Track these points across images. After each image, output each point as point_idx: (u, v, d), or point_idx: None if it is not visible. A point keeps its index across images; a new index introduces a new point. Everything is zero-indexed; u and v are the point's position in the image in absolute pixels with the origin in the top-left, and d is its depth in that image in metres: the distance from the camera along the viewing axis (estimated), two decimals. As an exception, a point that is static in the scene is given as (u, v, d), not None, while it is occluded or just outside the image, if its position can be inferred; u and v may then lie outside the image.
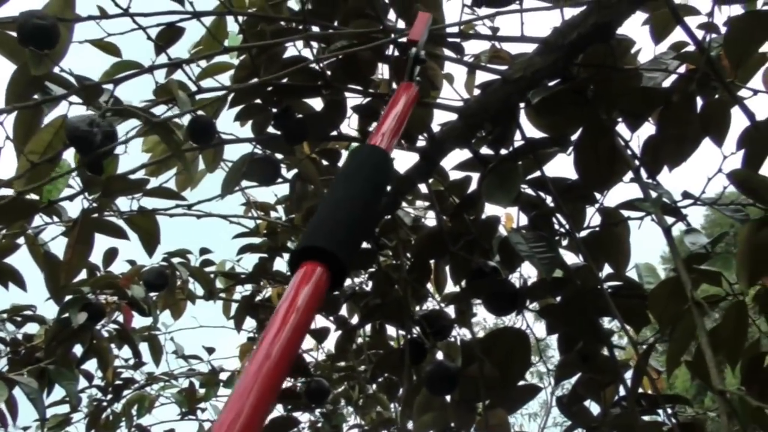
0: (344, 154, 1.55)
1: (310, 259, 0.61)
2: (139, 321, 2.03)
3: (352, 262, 0.70)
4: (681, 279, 1.02)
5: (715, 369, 0.93)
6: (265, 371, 0.52)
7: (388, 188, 0.97)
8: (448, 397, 1.39)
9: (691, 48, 1.20)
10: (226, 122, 1.41)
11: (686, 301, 1.05)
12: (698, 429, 1.31)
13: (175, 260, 1.86)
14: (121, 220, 1.39)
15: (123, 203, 1.43)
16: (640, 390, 1.42)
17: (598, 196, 1.30)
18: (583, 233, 1.34)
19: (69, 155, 1.30)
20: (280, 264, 1.87)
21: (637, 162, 1.24)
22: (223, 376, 2.29)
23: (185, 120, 1.28)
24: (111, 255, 1.79)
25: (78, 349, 1.78)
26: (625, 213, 1.31)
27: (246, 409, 0.49)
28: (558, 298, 1.35)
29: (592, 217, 1.32)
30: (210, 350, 2.32)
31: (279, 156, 1.46)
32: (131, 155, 1.43)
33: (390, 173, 0.82)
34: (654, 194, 1.17)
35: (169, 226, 1.64)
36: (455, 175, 1.43)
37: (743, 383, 1.27)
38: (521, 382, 1.38)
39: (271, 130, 1.38)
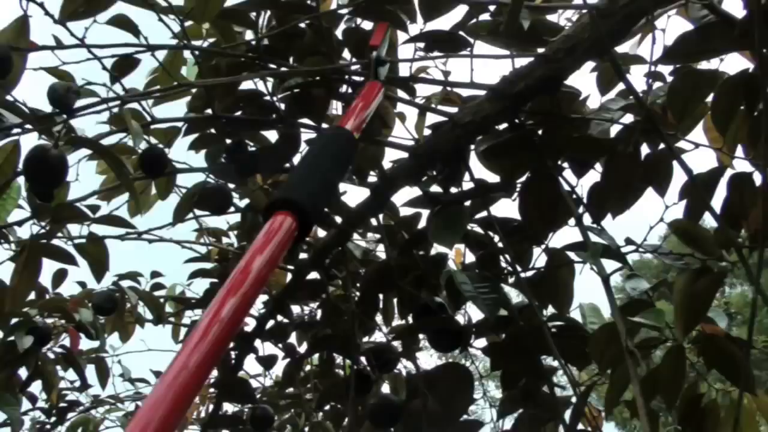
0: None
1: (282, 209, 0.68)
2: (86, 343, 2.02)
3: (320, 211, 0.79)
4: (618, 329, 1.05)
5: (645, 416, 0.96)
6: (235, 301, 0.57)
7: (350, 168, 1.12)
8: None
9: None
10: (180, 150, 1.42)
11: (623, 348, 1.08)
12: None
13: (126, 283, 1.86)
14: (70, 245, 1.39)
15: (74, 228, 1.43)
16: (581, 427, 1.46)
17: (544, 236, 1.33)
18: (529, 273, 1.37)
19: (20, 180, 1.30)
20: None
21: (581, 208, 1.27)
22: (170, 399, 2.27)
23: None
24: (60, 276, 1.78)
25: (23, 372, 1.77)
26: (571, 255, 1.34)
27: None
28: (503, 336, 1.38)
29: (538, 258, 1.36)
30: (157, 374, 2.30)
31: (231, 186, 1.47)
32: (84, 179, 1.42)
33: (353, 151, 0.90)
34: (595, 240, 1.21)
35: (120, 248, 1.64)
36: (405, 212, 1.45)
37: (680, 423, 1.31)
38: (464, 417, 1.40)
39: (224, 160, 1.39)
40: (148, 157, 1.27)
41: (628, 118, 1.25)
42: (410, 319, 1.43)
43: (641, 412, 0.92)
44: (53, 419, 2.16)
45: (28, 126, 1.16)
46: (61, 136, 1.14)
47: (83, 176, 1.40)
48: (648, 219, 1.29)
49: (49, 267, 1.62)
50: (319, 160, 0.83)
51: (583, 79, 1.32)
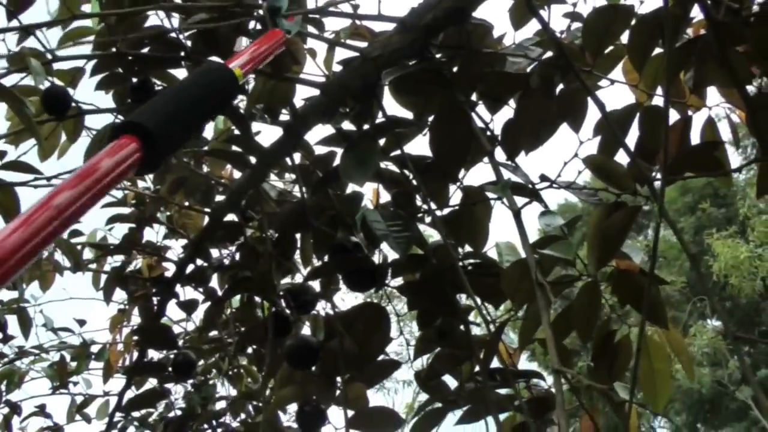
0: (209, 125, 1.54)
1: (128, 133, 0.64)
2: (5, 294, 1.98)
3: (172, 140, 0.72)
4: (528, 263, 1.05)
5: (554, 349, 0.96)
6: (41, 218, 0.53)
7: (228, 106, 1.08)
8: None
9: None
10: (88, 90, 1.38)
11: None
12: (549, 401, 1.36)
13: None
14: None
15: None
16: (498, 364, 1.47)
17: (460, 174, 1.32)
18: (445, 211, 1.36)
19: None
20: (150, 235, 1.85)
21: (496, 144, 1.26)
22: (95, 348, 2.24)
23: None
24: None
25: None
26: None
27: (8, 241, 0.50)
28: (418, 276, 1.37)
29: (453, 195, 1.34)
30: (81, 323, 2.26)
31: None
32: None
33: (230, 89, 0.85)
34: (507, 176, 1.20)
35: (34, 195, 1.59)
36: (320, 150, 1.43)
37: (593, 359, 1.32)
38: (381, 357, 1.40)
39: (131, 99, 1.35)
40: (49, 96, 1.22)
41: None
42: (326, 260, 1.41)
43: (549, 344, 0.92)
44: (-23, 372, 2.12)
45: None
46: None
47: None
48: (564, 156, 1.28)
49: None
50: (184, 90, 0.79)
51: (501, 17, 1.31)
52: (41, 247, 0.53)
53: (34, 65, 1.13)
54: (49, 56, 1.23)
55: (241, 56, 0.89)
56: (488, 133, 1.27)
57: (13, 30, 1.12)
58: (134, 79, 1.31)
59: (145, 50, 1.31)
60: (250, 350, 1.80)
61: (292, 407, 1.51)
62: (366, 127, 1.30)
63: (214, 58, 1.24)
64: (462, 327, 1.34)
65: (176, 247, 1.82)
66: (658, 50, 1.19)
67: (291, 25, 1.11)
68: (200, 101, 0.78)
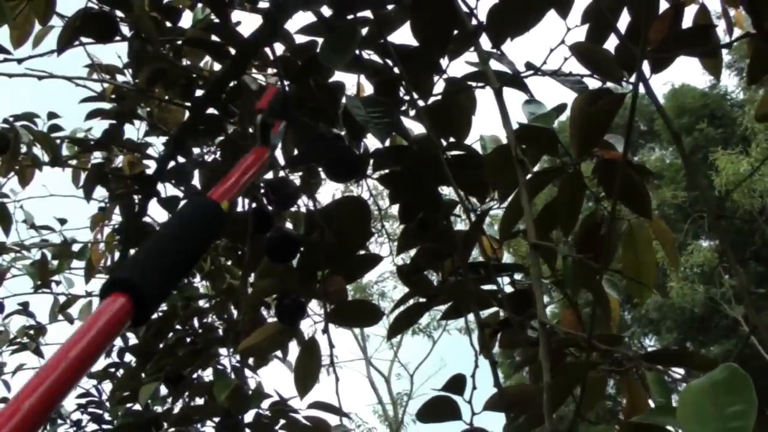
0: (188, 13, 1.49)
1: (118, 290, 0.64)
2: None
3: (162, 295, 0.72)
4: (508, 140, 1.02)
5: (531, 222, 0.93)
6: (33, 401, 0.54)
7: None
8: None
9: None
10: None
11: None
12: (531, 295, 1.34)
13: (20, 124, 1.77)
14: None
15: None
16: (482, 259, 1.45)
17: (443, 65, 1.29)
18: (429, 102, 1.33)
19: None
20: (131, 131, 1.81)
21: (481, 31, 1.22)
22: (76, 247, 2.23)
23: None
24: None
25: None
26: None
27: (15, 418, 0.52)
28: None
29: (437, 84, 1.31)
30: (62, 221, 2.25)
31: (118, 13, 1.38)
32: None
33: (219, 226, 0.83)
34: (495, 66, 1.17)
35: (12, 90, 1.56)
36: (301, 40, 1.39)
37: (578, 251, 1.30)
38: (363, 251, 1.39)
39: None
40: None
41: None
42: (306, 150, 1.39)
43: (527, 217, 0.89)
44: (-41, 269, 2.11)
45: None
46: None
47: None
48: (550, 44, 1.25)
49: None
50: (170, 236, 0.77)
51: None
52: (40, 423, 0.54)
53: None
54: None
55: (225, 184, 0.88)
56: (473, 20, 1.22)
57: None
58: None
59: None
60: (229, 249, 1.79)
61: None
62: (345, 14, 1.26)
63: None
64: (444, 221, 1.32)
65: (157, 145, 1.79)
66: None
67: (276, 137, 1.09)
68: (187, 246, 0.77)
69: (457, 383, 1.16)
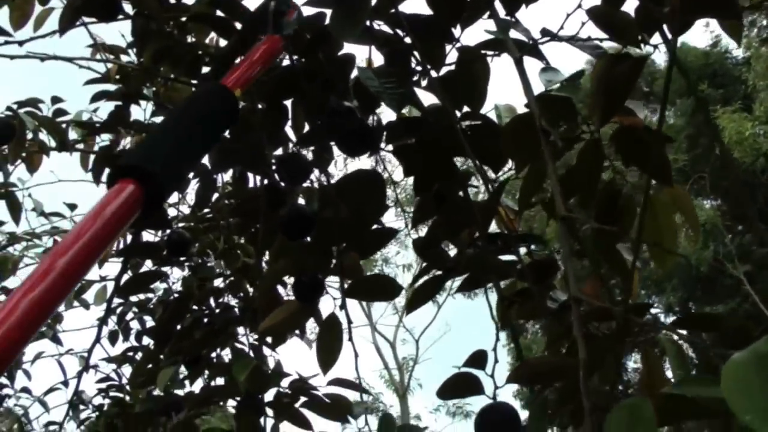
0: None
1: (128, 176, 0.61)
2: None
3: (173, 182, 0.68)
4: (531, 109, 1.00)
5: (559, 196, 0.92)
6: (46, 284, 0.51)
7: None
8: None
9: None
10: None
11: (539, 138, 1.03)
12: (551, 266, 1.33)
13: (24, 111, 1.75)
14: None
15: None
16: (498, 230, 1.43)
17: (456, 34, 1.26)
18: (442, 72, 1.30)
19: None
20: (137, 112, 1.79)
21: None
22: (88, 234, 2.21)
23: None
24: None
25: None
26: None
27: (16, 314, 0.49)
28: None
29: (450, 54, 1.28)
30: (72, 206, 2.23)
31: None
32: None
33: (233, 113, 0.80)
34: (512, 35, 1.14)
35: (14, 74, 1.54)
36: (309, 12, 1.36)
37: (597, 221, 1.28)
38: (379, 225, 1.37)
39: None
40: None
41: None
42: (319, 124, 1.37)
43: (555, 191, 0.87)
44: (-30, 259, 2.10)
45: None
46: None
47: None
48: (566, 9, 1.22)
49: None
50: (181, 121, 0.73)
51: None
52: (53, 308, 0.52)
53: None
54: None
55: (238, 71, 0.84)
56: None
57: None
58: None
59: None
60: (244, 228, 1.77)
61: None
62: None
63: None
64: (461, 192, 1.30)
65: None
66: None
67: (289, 24, 1.02)
68: (200, 131, 0.73)
69: (478, 358, 1.14)
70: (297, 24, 1.12)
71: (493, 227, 1.39)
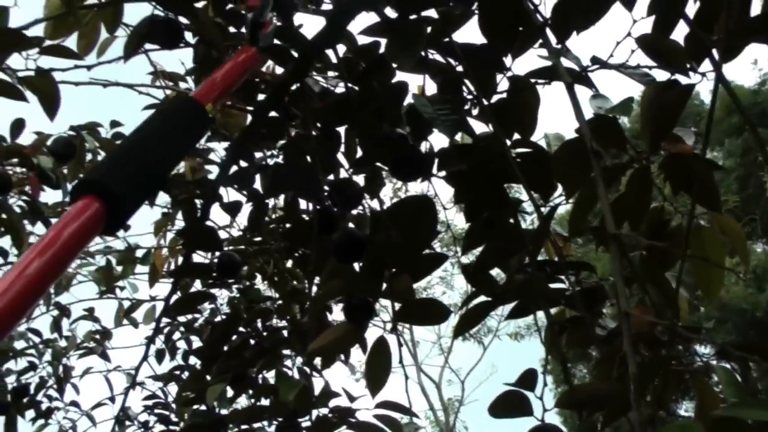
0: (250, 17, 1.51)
1: (89, 193, 0.60)
2: (51, 195, 1.99)
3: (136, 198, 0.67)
4: (582, 132, 1.01)
5: (609, 214, 0.93)
6: (10, 297, 0.52)
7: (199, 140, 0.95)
8: (356, 267, 1.39)
9: None
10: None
11: (589, 163, 1.05)
12: (599, 293, 1.34)
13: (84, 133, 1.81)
14: (17, 81, 1.33)
15: (15, 64, 1.37)
16: (548, 257, 1.45)
17: (507, 63, 1.29)
18: (493, 100, 1.33)
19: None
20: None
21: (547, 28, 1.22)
22: (139, 253, 2.27)
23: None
24: (18, 126, 1.73)
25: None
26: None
27: None
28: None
29: (501, 83, 1.31)
30: (126, 227, 2.28)
31: (183, 20, 1.40)
32: (22, 12, 1.36)
33: (203, 128, 0.80)
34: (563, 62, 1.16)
35: (75, 97, 1.59)
36: (364, 41, 1.39)
37: (644, 248, 1.29)
38: (429, 251, 1.39)
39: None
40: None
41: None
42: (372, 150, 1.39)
43: (605, 209, 0.89)
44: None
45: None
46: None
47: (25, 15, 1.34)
48: (616, 38, 1.24)
49: (5, 117, 1.57)
50: (147, 136, 0.71)
51: None
52: (18, 318, 0.53)
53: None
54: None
55: (212, 85, 0.83)
56: (540, 17, 1.22)
57: None
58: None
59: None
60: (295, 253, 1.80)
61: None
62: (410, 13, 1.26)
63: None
64: (511, 219, 1.32)
65: (219, 149, 1.81)
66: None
67: (265, 37, 1.03)
68: (166, 146, 0.72)
69: (528, 378, 1.15)
70: (273, 37, 1.12)
71: (543, 254, 1.40)
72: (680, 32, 1.16)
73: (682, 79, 1.14)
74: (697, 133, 1.23)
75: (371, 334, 1.37)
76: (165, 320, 2.13)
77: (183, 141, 0.76)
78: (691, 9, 1.16)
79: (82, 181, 0.61)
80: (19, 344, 2.41)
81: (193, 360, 2.17)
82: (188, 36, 1.46)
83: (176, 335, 2.21)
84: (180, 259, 1.94)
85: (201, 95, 0.79)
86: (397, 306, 1.34)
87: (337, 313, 1.68)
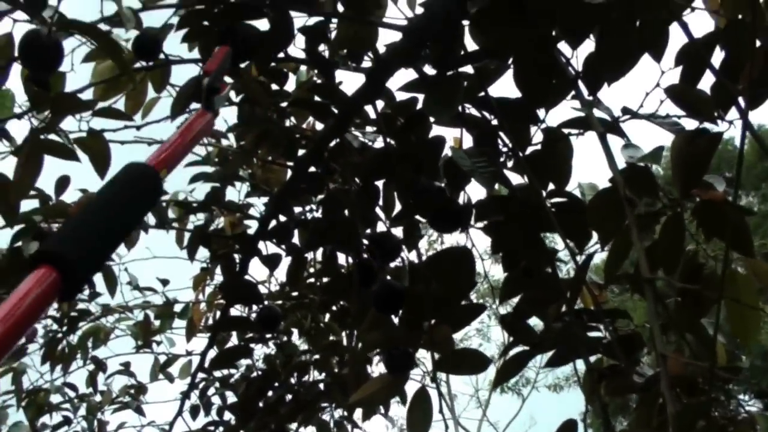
0: (292, 77, 1.57)
1: (47, 262, 0.61)
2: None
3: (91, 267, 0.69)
4: (615, 181, 1.05)
5: (644, 258, 0.96)
6: None
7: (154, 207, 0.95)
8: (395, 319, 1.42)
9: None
10: (173, 45, 1.42)
11: (623, 212, 1.08)
12: (636, 341, 1.36)
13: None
14: (71, 142, 1.38)
15: (70, 126, 1.43)
16: (583, 306, 1.46)
17: (541, 115, 1.33)
18: (527, 152, 1.36)
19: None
20: (232, 193, 1.88)
21: (579, 81, 1.26)
22: (178, 307, 2.30)
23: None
24: (63, 183, 1.77)
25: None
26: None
27: None
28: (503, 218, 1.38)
29: (535, 135, 1.35)
30: (164, 282, 2.32)
31: (227, 79, 1.46)
32: (77, 76, 1.42)
33: (156, 194, 0.80)
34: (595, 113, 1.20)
35: (119, 155, 1.63)
36: (402, 97, 1.44)
37: (679, 293, 1.31)
38: (467, 302, 1.41)
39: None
40: (142, 40, 1.27)
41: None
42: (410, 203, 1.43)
43: (639, 254, 0.91)
44: (65, 328, 2.20)
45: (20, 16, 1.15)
46: (53, 22, 1.13)
47: (77, 77, 1.40)
48: (645, 88, 1.28)
49: (51, 174, 1.62)
50: (104, 205, 0.73)
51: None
52: None
53: (125, 12, 1.16)
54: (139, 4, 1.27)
55: (167, 151, 0.82)
56: (571, 69, 1.26)
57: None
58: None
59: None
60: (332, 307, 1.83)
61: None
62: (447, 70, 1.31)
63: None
64: (548, 267, 1.34)
65: (258, 204, 1.85)
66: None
67: (220, 100, 1.02)
68: (121, 215, 0.73)
69: (568, 428, 1.17)
70: (226, 101, 1.13)
71: (579, 302, 1.42)
72: (707, 82, 1.20)
73: (711, 127, 1.17)
74: (731, 178, 1.26)
75: (410, 387, 1.39)
76: (200, 375, 2.16)
77: (137, 209, 0.76)
78: (717, 59, 1.21)
79: (39, 251, 0.63)
80: (55, 398, 2.45)
81: (227, 416, 2.18)
82: (231, 94, 1.52)
83: (211, 390, 2.23)
84: (218, 314, 1.97)
85: (155, 161, 0.78)
86: (437, 356, 1.36)
87: (376, 365, 1.71)
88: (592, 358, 1.43)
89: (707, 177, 1.21)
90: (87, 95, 1.42)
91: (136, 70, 1.37)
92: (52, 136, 1.31)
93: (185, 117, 1.02)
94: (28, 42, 1.10)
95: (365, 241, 1.52)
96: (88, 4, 1.29)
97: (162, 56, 1.37)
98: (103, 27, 1.25)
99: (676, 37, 1.20)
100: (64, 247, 0.64)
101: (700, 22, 1.27)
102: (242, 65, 1.42)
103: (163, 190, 0.80)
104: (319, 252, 1.81)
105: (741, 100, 1.09)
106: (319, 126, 1.62)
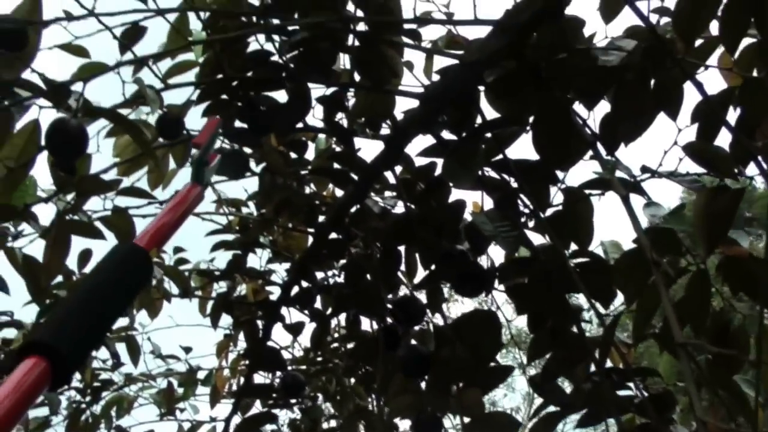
0: (311, 145, 1.59)
1: (36, 353, 0.62)
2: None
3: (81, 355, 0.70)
4: (641, 243, 1.05)
5: (675, 322, 0.95)
6: None
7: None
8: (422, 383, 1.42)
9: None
10: (194, 119, 1.44)
11: (649, 271, 1.08)
12: (668, 399, 1.34)
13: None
14: (96, 220, 1.41)
15: (94, 204, 1.45)
16: (611, 364, 1.45)
17: (560, 175, 1.33)
18: (548, 213, 1.37)
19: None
20: (254, 260, 1.89)
21: (596, 141, 1.27)
22: (201, 374, 2.31)
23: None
24: (85, 257, 1.79)
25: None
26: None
27: None
28: (526, 279, 1.38)
29: (555, 196, 1.35)
30: (187, 349, 2.33)
31: (247, 150, 1.48)
32: (101, 156, 1.45)
33: (146, 274, 0.80)
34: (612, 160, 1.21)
35: (142, 226, 1.65)
36: (421, 162, 1.45)
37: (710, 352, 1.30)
38: (494, 363, 1.41)
39: (238, 124, 1.40)
40: (165, 121, 1.29)
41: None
42: (434, 269, 1.43)
43: (670, 318, 0.91)
44: (88, 398, 2.20)
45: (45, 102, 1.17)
46: (78, 108, 1.15)
47: (101, 157, 1.43)
48: (662, 146, 1.29)
49: (73, 249, 1.64)
50: (93, 291, 0.73)
51: (591, 15, 1.32)
52: None
53: (149, 94, 1.18)
54: (161, 84, 1.29)
55: (154, 229, 0.84)
56: (588, 130, 1.27)
57: (129, 63, 1.18)
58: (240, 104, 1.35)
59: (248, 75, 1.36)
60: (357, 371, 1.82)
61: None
62: (465, 134, 1.32)
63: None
64: (574, 328, 1.34)
65: (280, 271, 1.86)
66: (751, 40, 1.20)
67: (209, 172, 1.04)
68: (111, 301, 0.74)
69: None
70: (214, 172, 1.13)
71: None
72: (723, 138, 1.21)
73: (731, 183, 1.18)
74: (752, 219, 1.26)
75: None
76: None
77: (126, 291, 0.77)
78: (732, 116, 1.22)
79: (29, 342, 0.64)
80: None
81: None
82: (252, 164, 1.54)
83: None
84: (241, 380, 1.97)
85: (144, 240, 0.79)
86: (466, 420, 1.36)
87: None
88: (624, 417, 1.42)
89: (731, 232, 1.21)
90: (111, 173, 1.45)
91: (158, 147, 1.39)
92: (78, 216, 1.34)
93: (175, 191, 1.01)
94: (54, 132, 1.11)
95: (389, 306, 1.52)
96: (108, 82, 1.31)
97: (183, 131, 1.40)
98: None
99: (691, 95, 1.22)
100: (55, 339, 0.64)
101: (714, 79, 1.29)
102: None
103: (152, 270, 0.80)
104: (343, 317, 1.81)
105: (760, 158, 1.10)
106: (339, 193, 1.63)
